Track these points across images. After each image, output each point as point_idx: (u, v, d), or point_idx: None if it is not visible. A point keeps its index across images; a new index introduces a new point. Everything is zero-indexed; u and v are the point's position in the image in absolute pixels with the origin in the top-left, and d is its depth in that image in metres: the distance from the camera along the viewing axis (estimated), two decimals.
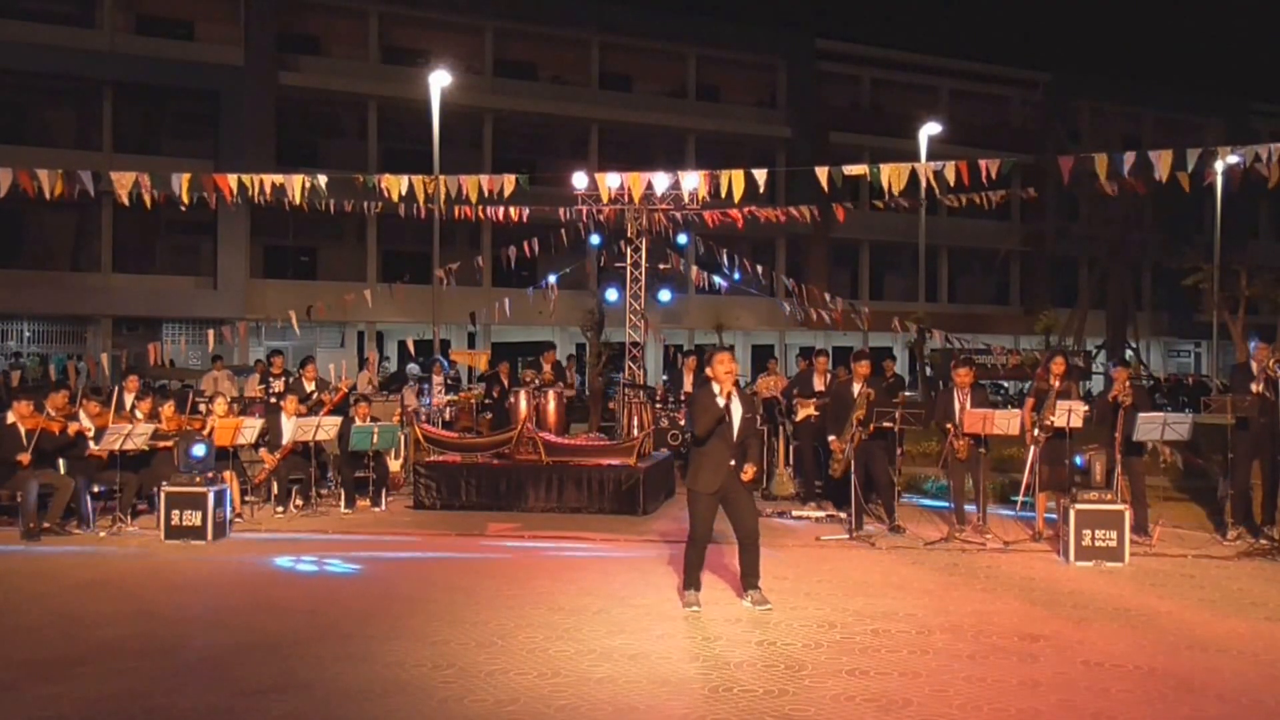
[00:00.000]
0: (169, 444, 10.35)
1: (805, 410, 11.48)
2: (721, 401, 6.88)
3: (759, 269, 19.88)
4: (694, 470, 7.06)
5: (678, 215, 16.67)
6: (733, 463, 6.91)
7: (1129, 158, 14.03)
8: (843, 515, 10.16)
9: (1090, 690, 5.45)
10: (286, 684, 5.51)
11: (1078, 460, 8.94)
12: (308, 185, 15.02)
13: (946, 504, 10.53)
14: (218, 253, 30.92)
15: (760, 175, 14.77)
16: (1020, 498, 10.20)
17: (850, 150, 34.13)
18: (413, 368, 27.19)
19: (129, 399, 11.73)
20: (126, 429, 9.95)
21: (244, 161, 25.16)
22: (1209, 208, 30.92)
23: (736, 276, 17.68)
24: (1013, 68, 41.80)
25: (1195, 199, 19.64)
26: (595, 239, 16.35)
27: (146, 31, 30.86)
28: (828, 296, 20.87)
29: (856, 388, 9.94)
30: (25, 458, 9.57)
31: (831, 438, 10.04)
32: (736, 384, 7.07)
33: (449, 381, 17.01)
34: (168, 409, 11.06)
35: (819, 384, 11.65)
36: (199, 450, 9.90)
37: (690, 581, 7.06)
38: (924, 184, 20.95)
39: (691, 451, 7.15)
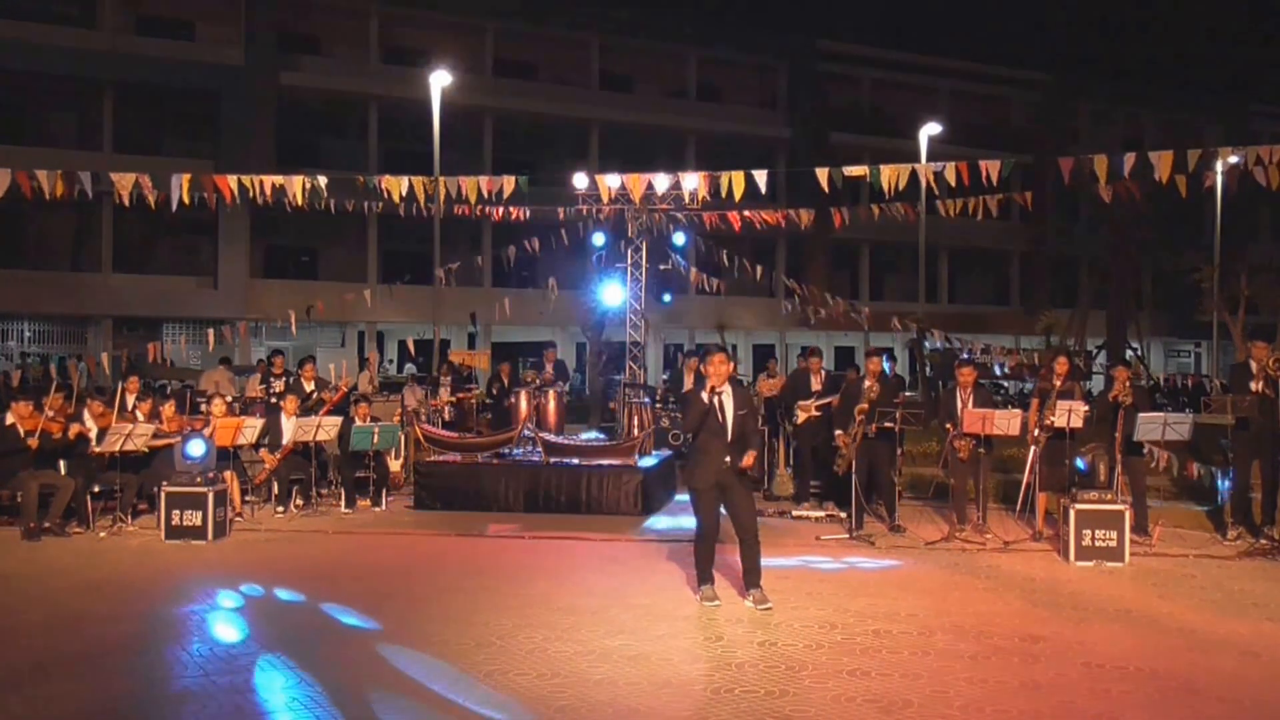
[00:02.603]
0: (170, 441, 10.36)
1: (805, 413, 11.48)
2: (706, 398, 6.98)
3: (759, 269, 19.87)
4: (690, 467, 7.27)
5: (679, 216, 16.66)
6: (728, 459, 6.99)
7: (1129, 159, 14.04)
8: (843, 515, 10.16)
9: (1092, 692, 5.44)
10: (286, 684, 5.50)
11: (1079, 464, 8.94)
12: (308, 185, 15.02)
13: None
14: (218, 253, 30.89)
15: (760, 176, 14.77)
16: (1019, 503, 10.19)
17: (850, 150, 34.11)
18: (409, 367, 27.22)
19: (130, 399, 11.72)
20: (127, 429, 9.96)
21: (244, 161, 25.15)
22: (1209, 208, 30.92)
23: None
24: (1013, 68, 41.76)
25: (1195, 200, 19.63)
26: (600, 238, 16.26)
27: (147, 31, 30.82)
28: (828, 296, 20.85)
29: (868, 384, 10.01)
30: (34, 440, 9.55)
31: (838, 432, 10.09)
32: (735, 382, 7.15)
33: (462, 376, 17.01)
34: (168, 409, 11.06)
35: (815, 384, 11.65)
36: (196, 449, 9.90)
37: (704, 577, 7.18)
38: (924, 184, 20.95)
39: (689, 449, 7.34)
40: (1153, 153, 13.59)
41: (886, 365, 10.88)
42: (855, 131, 37.80)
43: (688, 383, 14.44)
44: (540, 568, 8.52)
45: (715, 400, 7.00)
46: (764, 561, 7.21)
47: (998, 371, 27.69)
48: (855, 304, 24.23)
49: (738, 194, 14.70)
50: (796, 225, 19.34)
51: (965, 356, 15.26)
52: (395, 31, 34.06)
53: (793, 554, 8.94)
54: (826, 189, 14.75)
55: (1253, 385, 9.36)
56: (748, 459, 7.05)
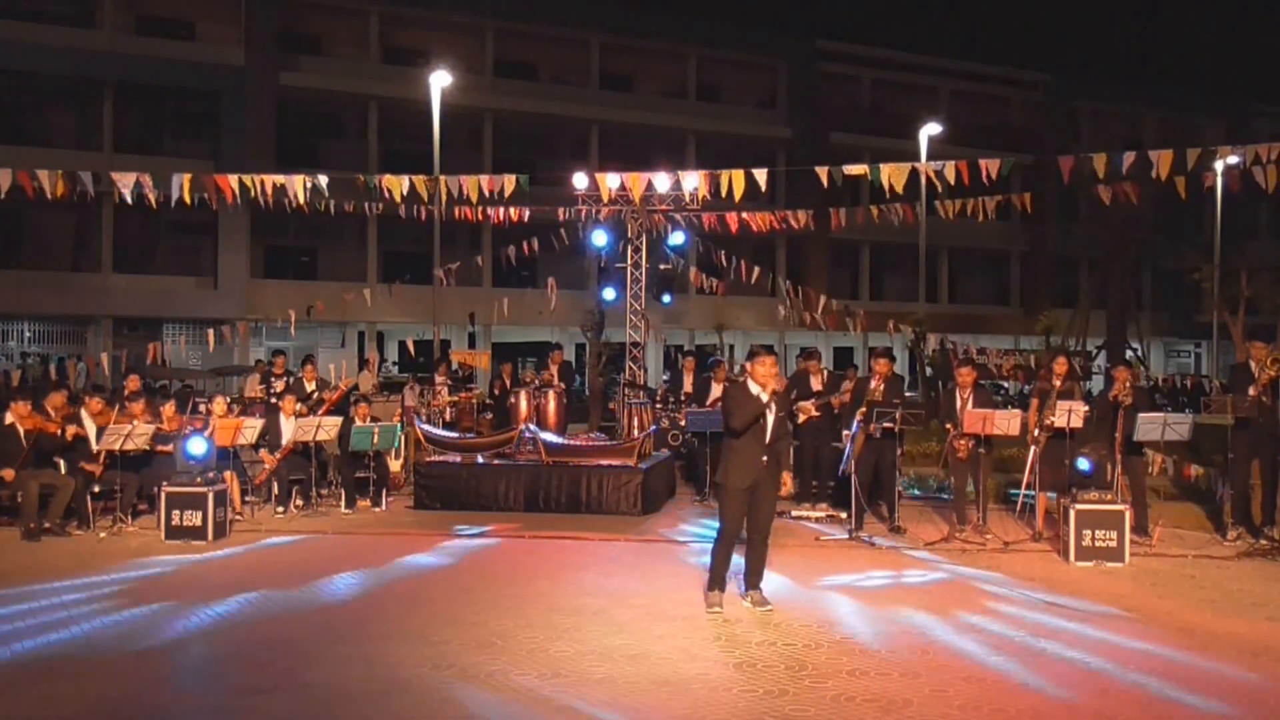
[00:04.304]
0: (168, 449, 10.36)
1: (807, 413, 11.48)
2: (765, 398, 6.91)
3: (755, 270, 19.86)
4: (726, 466, 7.06)
5: (677, 216, 16.66)
6: (765, 459, 6.96)
7: (1129, 158, 14.04)
8: (843, 515, 10.17)
9: (1091, 691, 5.45)
10: (286, 684, 5.51)
11: (1087, 464, 8.90)
12: (308, 185, 15.01)
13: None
14: (218, 253, 30.89)
15: (760, 175, 14.78)
16: (1022, 492, 10.19)
17: (850, 150, 34.09)
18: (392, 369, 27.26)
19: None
20: (127, 429, 9.95)
21: (244, 161, 25.14)
22: (1209, 208, 30.93)
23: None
24: (1013, 68, 41.75)
25: (1195, 199, 19.65)
26: (603, 238, 16.17)
27: (147, 31, 30.82)
28: (821, 299, 20.86)
29: (873, 384, 10.06)
30: (9, 473, 9.57)
31: (846, 432, 10.15)
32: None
33: (459, 377, 17.00)
34: (168, 409, 11.06)
35: (815, 384, 11.66)
36: (197, 448, 9.89)
37: (715, 581, 7.08)
38: (924, 184, 20.94)
39: (725, 447, 7.13)
40: (1152, 152, 13.58)
41: None
42: (855, 131, 37.80)
43: (687, 383, 14.45)
44: (540, 568, 8.52)
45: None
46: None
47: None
48: (850, 305, 24.21)
49: (738, 193, 14.69)
50: (796, 225, 19.34)
51: (962, 356, 15.29)
52: (395, 31, 34.06)
53: (792, 554, 8.93)
54: (826, 185, 14.75)
55: (1251, 387, 9.36)
56: (787, 484, 7.09)
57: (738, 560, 7.22)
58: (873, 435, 9.76)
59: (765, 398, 6.91)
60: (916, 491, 12.26)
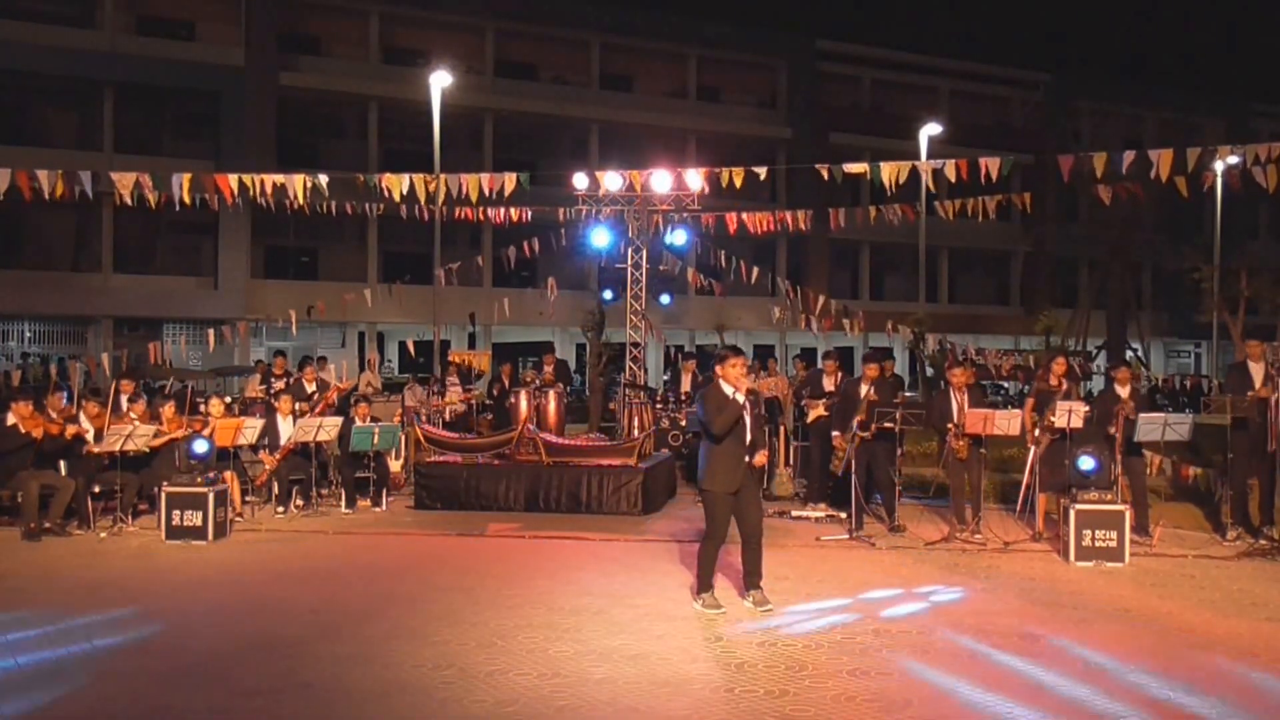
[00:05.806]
0: (175, 436, 10.38)
1: (816, 411, 11.48)
2: (741, 399, 6.92)
3: (754, 270, 19.85)
4: (711, 471, 6.99)
5: (676, 216, 16.66)
6: (747, 459, 6.98)
7: (1129, 157, 14.04)
8: (843, 515, 10.17)
9: (1091, 690, 5.44)
10: (286, 684, 5.51)
11: (1091, 462, 8.89)
12: (308, 185, 15.01)
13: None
14: (218, 253, 30.91)
15: (761, 172, 14.79)
16: (1021, 494, 10.17)
17: (850, 150, 34.06)
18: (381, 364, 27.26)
19: (123, 400, 11.66)
20: (127, 429, 9.95)
21: (245, 162, 25.14)
22: (1209, 208, 30.93)
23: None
24: (1013, 68, 41.77)
25: (1195, 199, 19.63)
26: (603, 238, 16.09)
27: (147, 32, 30.85)
28: (819, 300, 20.84)
29: (864, 388, 10.05)
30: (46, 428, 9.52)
31: (835, 434, 10.14)
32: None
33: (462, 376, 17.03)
34: (168, 409, 11.05)
35: (829, 385, 11.65)
36: (200, 447, 9.89)
37: (706, 584, 7.07)
38: (924, 183, 20.93)
39: (707, 451, 7.07)
40: (1152, 152, 13.59)
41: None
42: (855, 131, 37.81)
43: (685, 383, 14.45)
44: (540, 568, 8.52)
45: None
46: (764, 560, 7.18)
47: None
48: (849, 306, 24.20)
49: (738, 184, 14.70)
50: (796, 226, 19.33)
51: (961, 357, 15.28)
52: (395, 31, 34.07)
53: (792, 554, 8.93)
54: (826, 179, 14.76)
55: (1256, 384, 9.35)
56: (761, 457, 7.13)
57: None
58: (865, 437, 9.76)
59: (740, 398, 6.91)
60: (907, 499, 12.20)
